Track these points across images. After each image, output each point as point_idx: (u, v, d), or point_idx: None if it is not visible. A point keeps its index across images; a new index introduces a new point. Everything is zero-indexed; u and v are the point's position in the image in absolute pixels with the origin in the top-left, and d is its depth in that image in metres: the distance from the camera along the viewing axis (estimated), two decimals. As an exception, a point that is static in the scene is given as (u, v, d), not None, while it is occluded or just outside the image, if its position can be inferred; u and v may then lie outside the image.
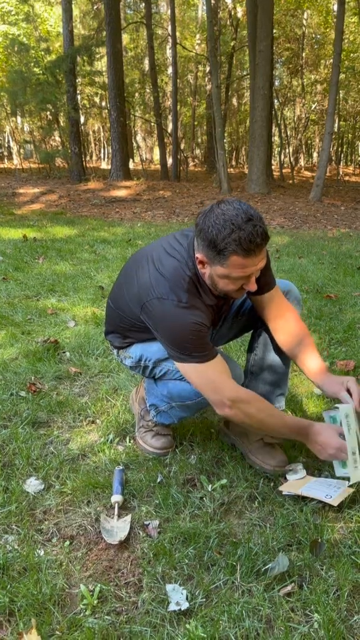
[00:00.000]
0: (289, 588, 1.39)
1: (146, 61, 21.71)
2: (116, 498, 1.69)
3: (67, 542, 1.55)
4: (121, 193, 12.60)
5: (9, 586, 1.38)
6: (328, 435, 1.68)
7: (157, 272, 1.65)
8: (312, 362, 1.81)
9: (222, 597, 1.36)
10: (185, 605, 1.33)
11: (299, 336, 1.82)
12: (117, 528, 1.59)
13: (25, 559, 1.47)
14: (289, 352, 1.85)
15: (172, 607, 1.33)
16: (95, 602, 1.34)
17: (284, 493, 1.74)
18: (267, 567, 1.44)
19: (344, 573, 1.43)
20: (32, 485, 1.79)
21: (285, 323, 1.83)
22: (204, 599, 1.36)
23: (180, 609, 1.32)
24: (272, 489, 1.79)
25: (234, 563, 1.46)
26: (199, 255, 1.57)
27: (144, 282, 1.67)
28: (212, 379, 1.63)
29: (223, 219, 1.47)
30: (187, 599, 1.35)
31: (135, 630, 1.27)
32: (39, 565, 1.46)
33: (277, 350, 1.92)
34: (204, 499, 1.74)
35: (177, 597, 1.36)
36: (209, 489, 1.78)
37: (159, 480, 1.83)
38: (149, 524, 1.62)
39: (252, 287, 1.58)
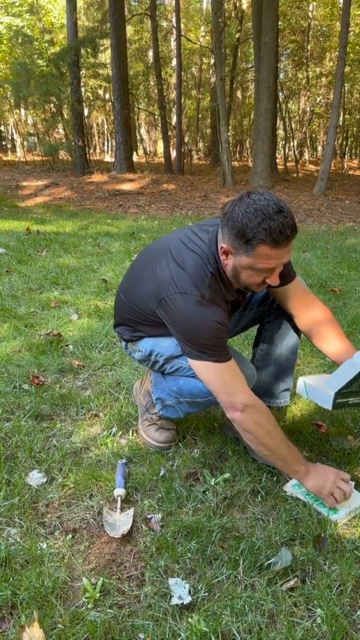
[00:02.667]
0: (291, 583, 1.38)
1: (150, 53, 21.59)
2: (119, 491, 1.68)
3: (70, 535, 1.55)
4: (125, 186, 12.57)
5: (11, 579, 1.38)
6: (326, 471, 1.65)
7: (178, 267, 1.61)
8: (341, 347, 1.81)
9: (224, 592, 1.36)
10: (187, 599, 1.32)
11: (326, 324, 1.82)
12: (120, 522, 1.59)
13: (28, 551, 1.47)
14: (317, 340, 1.84)
15: (175, 601, 1.32)
16: (98, 595, 1.34)
17: (288, 493, 1.73)
18: (270, 561, 1.44)
19: (347, 568, 1.42)
20: (35, 478, 1.79)
21: (311, 313, 1.83)
22: (207, 593, 1.36)
23: (182, 603, 1.32)
24: (275, 483, 1.78)
25: (237, 557, 1.46)
26: (224, 245, 1.55)
27: (163, 277, 1.63)
28: (227, 380, 1.60)
29: (254, 208, 1.45)
30: (189, 593, 1.35)
31: (138, 624, 1.27)
32: (41, 558, 1.45)
33: (292, 339, 1.94)
34: (207, 493, 1.73)
35: (180, 591, 1.35)
36: (212, 483, 1.77)
37: (161, 473, 1.82)
38: (152, 517, 1.62)
39: (275, 281, 1.55)
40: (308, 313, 1.83)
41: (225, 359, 1.59)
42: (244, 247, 1.49)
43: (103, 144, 32.82)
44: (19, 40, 16.02)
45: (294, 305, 1.83)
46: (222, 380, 1.60)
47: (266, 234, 1.43)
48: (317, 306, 1.84)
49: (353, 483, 1.75)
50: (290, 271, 1.79)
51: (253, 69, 17.00)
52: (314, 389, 1.68)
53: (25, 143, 21.54)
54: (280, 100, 19.43)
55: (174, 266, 1.63)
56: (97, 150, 30.97)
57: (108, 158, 25.25)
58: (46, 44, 15.68)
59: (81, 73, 15.53)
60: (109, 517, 1.61)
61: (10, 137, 27.77)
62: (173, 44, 20.56)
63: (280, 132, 23.46)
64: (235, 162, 23.95)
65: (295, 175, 17.95)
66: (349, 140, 29.57)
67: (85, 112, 19.32)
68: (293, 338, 1.95)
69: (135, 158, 19.54)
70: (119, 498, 1.67)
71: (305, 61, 21.76)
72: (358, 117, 26.57)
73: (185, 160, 18.00)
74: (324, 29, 22.19)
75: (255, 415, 1.59)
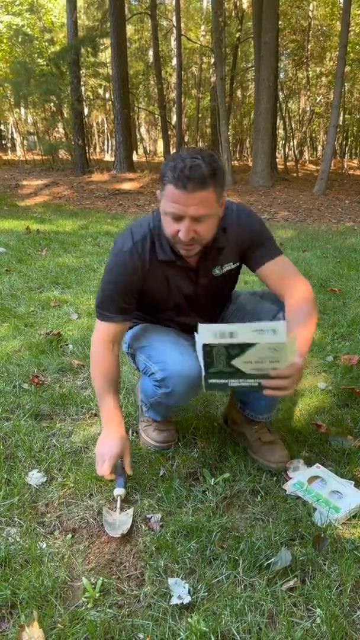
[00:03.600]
0: (291, 583, 1.38)
1: (150, 52, 21.58)
2: (119, 491, 1.68)
3: (70, 535, 1.55)
4: (125, 185, 12.57)
5: (11, 578, 1.38)
6: (110, 441, 1.69)
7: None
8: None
9: (224, 592, 1.36)
10: (187, 599, 1.32)
11: (297, 309, 1.63)
12: (120, 521, 1.59)
13: (28, 551, 1.47)
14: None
15: (174, 600, 1.32)
16: (97, 595, 1.34)
17: (287, 492, 1.73)
18: (269, 561, 1.44)
19: (346, 568, 1.42)
20: (35, 477, 1.79)
21: (287, 294, 1.69)
22: (206, 593, 1.36)
23: (182, 603, 1.32)
24: (275, 483, 1.78)
25: (237, 557, 1.46)
26: (157, 193, 1.57)
27: None
28: (94, 330, 1.74)
29: (176, 154, 1.48)
30: (189, 592, 1.35)
31: (137, 624, 1.27)
32: (41, 558, 1.45)
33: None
34: (207, 492, 1.73)
35: (179, 590, 1.35)
36: (212, 483, 1.77)
37: (161, 473, 1.82)
38: (151, 517, 1.62)
39: (184, 235, 1.48)
40: (285, 295, 1.69)
41: (100, 319, 1.71)
42: (161, 190, 1.51)
43: (103, 143, 32.82)
44: (19, 39, 16.03)
45: (272, 287, 1.73)
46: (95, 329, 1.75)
47: (171, 173, 1.43)
48: (290, 291, 1.68)
49: (352, 482, 1.75)
50: (264, 256, 1.71)
51: (253, 68, 16.99)
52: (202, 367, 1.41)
53: (25, 142, 21.54)
54: (281, 99, 19.43)
55: None
56: (97, 150, 30.97)
57: (108, 157, 25.24)
58: (46, 43, 15.69)
59: (81, 72, 15.53)
60: (108, 517, 1.60)
61: (10, 136, 27.77)
62: (173, 43, 20.56)
63: (280, 131, 23.46)
64: (235, 162, 23.94)
65: (295, 174, 17.95)
66: (349, 140, 29.57)
67: (85, 111, 19.32)
68: None
69: (135, 157, 19.53)
70: (118, 498, 1.66)
71: (305, 61, 21.76)
72: (358, 116, 26.56)
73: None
74: (324, 28, 22.19)
75: (92, 356, 1.75)
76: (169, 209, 1.48)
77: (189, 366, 1.65)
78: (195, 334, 1.34)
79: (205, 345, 1.28)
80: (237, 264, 1.77)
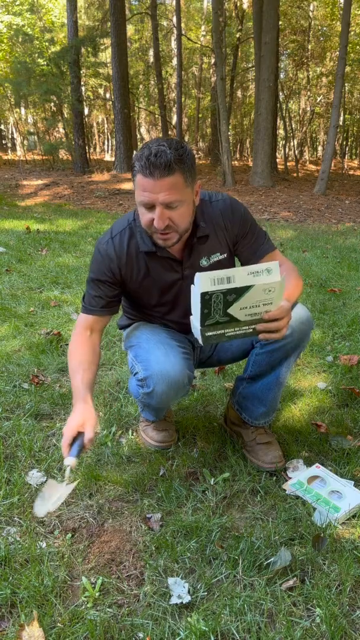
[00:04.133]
0: (291, 582, 1.38)
1: (151, 52, 21.59)
2: (69, 461, 1.42)
3: (69, 535, 1.55)
4: (125, 185, 12.57)
5: (10, 578, 1.38)
6: (72, 416, 1.52)
7: None
8: None
9: (223, 591, 1.36)
10: (187, 599, 1.32)
11: (285, 269, 1.68)
12: (55, 496, 1.40)
13: (27, 551, 1.47)
14: None
15: (174, 600, 1.33)
16: (97, 594, 1.34)
17: (287, 492, 1.73)
18: (269, 561, 1.44)
19: (346, 568, 1.42)
20: (35, 477, 1.79)
21: None
22: (206, 593, 1.36)
23: (182, 602, 1.32)
24: (274, 483, 1.78)
25: (236, 557, 1.46)
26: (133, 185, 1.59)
27: None
28: (75, 325, 1.75)
29: (144, 144, 1.48)
30: (188, 592, 1.35)
31: (137, 623, 1.27)
32: (40, 558, 1.46)
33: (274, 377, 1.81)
34: (207, 492, 1.73)
35: (179, 590, 1.36)
36: (212, 483, 1.77)
37: (161, 473, 1.82)
38: (151, 517, 1.62)
39: (159, 223, 1.48)
40: None
41: (82, 312, 1.74)
42: (133, 181, 1.52)
43: (103, 143, 32.84)
44: (20, 39, 16.04)
45: None
46: (76, 323, 1.76)
47: (138, 163, 1.44)
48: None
49: (352, 482, 1.75)
50: (259, 248, 1.73)
51: (253, 68, 16.99)
52: (194, 326, 1.43)
53: (25, 142, 21.53)
54: (281, 99, 19.42)
55: None
56: (97, 150, 30.98)
57: (108, 157, 25.25)
58: (46, 43, 15.68)
59: (81, 72, 15.54)
60: (46, 489, 1.42)
61: (10, 136, 27.77)
62: (173, 43, 20.56)
63: (281, 131, 23.47)
64: (236, 162, 23.95)
65: (295, 175, 17.95)
66: (349, 140, 29.58)
67: (86, 111, 19.33)
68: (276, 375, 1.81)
69: (135, 157, 19.50)
70: (67, 468, 1.42)
71: (305, 61, 21.75)
72: (358, 116, 26.57)
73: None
74: (325, 28, 22.20)
75: (70, 343, 1.73)
76: (140, 197, 1.48)
77: (171, 366, 1.63)
78: (191, 286, 1.35)
79: (203, 294, 1.29)
80: (226, 254, 1.73)
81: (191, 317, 1.42)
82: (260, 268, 1.33)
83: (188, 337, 1.86)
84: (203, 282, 1.29)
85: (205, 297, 1.30)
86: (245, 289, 1.32)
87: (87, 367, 1.63)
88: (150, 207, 1.48)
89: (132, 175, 1.51)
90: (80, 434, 1.46)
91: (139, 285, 1.71)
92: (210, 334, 1.39)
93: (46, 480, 1.78)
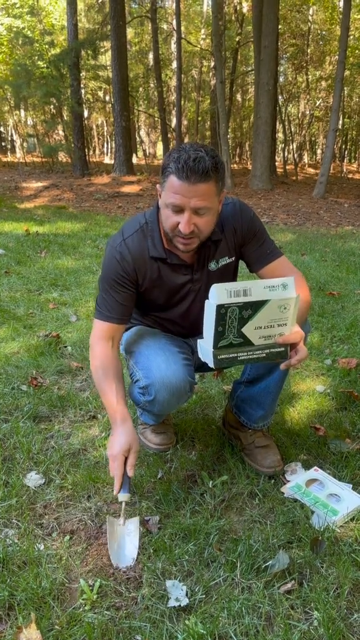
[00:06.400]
0: (289, 585, 1.38)
1: (150, 55, 21.63)
2: (123, 496, 1.52)
3: (67, 537, 1.55)
4: (124, 188, 12.58)
5: (8, 580, 1.38)
6: (116, 439, 1.58)
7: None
8: None
9: (221, 594, 1.36)
10: (184, 602, 1.32)
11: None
12: (127, 547, 1.49)
13: (25, 553, 1.47)
14: None
15: (172, 603, 1.32)
16: (95, 597, 1.34)
17: (285, 495, 1.73)
18: (267, 564, 1.44)
19: (344, 571, 1.42)
20: (33, 479, 1.79)
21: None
22: (204, 595, 1.36)
23: (179, 605, 1.32)
24: (273, 486, 1.78)
25: (234, 560, 1.46)
26: (157, 186, 1.57)
27: None
28: (93, 329, 1.70)
29: (179, 147, 1.48)
30: (186, 595, 1.35)
31: (135, 626, 1.27)
32: (38, 560, 1.45)
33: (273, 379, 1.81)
34: (205, 495, 1.73)
35: (177, 593, 1.35)
36: (210, 485, 1.77)
37: (159, 476, 1.82)
38: (150, 519, 1.62)
39: (185, 228, 1.47)
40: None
41: (97, 317, 1.68)
42: (162, 180, 1.50)
43: (103, 146, 32.87)
44: (20, 42, 16.04)
45: None
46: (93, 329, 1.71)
47: (174, 164, 1.43)
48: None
49: (350, 485, 1.75)
50: (266, 252, 1.73)
51: (253, 72, 17.03)
52: (203, 348, 1.42)
53: (24, 144, 21.55)
54: (280, 103, 19.46)
55: None
56: (97, 152, 31.00)
57: (108, 160, 25.28)
58: (46, 46, 15.68)
59: (81, 75, 15.55)
60: (112, 538, 1.48)
61: (10, 138, 27.79)
62: (173, 46, 20.61)
63: (280, 135, 23.48)
64: (235, 165, 23.98)
65: (294, 178, 17.97)
66: (348, 143, 29.62)
67: (85, 113, 19.36)
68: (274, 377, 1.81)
69: (134, 160, 19.55)
70: (122, 504, 1.53)
71: (305, 65, 21.81)
72: (357, 120, 26.63)
73: (184, 163, 17.97)
74: (324, 32, 22.25)
75: (91, 354, 1.69)
76: (170, 199, 1.47)
77: (172, 374, 1.63)
78: (205, 302, 1.34)
79: (219, 307, 1.29)
80: (233, 258, 1.73)
81: (199, 340, 1.42)
82: (276, 283, 1.33)
83: (187, 341, 1.85)
84: (219, 294, 1.29)
85: (221, 311, 1.29)
86: (261, 303, 1.32)
87: (119, 382, 1.64)
88: (179, 210, 1.47)
89: (162, 176, 1.50)
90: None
91: (150, 287, 1.70)
92: (223, 356, 1.37)
93: (45, 482, 1.78)
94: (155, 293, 1.71)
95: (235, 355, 1.38)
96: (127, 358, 1.84)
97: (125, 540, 1.51)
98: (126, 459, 1.54)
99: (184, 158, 1.41)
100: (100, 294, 1.68)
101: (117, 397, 1.61)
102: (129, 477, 1.54)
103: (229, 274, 1.77)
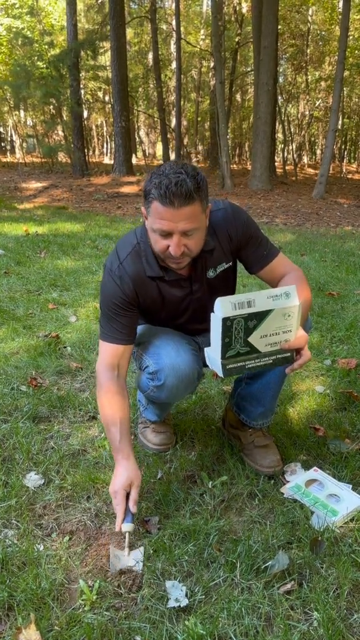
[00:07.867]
0: (288, 586, 1.38)
1: (150, 56, 21.64)
2: (126, 527, 1.50)
3: (67, 538, 1.55)
4: (124, 188, 12.58)
5: (8, 581, 1.38)
6: (117, 475, 1.58)
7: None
8: None
9: (221, 594, 1.36)
10: (184, 602, 1.32)
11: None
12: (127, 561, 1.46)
13: (25, 553, 1.47)
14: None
15: (172, 603, 1.32)
16: (95, 597, 1.34)
17: (285, 496, 1.73)
18: (267, 564, 1.44)
19: (344, 571, 1.42)
20: (32, 480, 1.79)
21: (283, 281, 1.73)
22: (204, 596, 1.36)
23: (179, 606, 1.32)
24: (272, 486, 1.78)
25: (234, 560, 1.46)
26: (142, 209, 1.56)
27: None
28: (99, 352, 1.69)
29: (158, 170, 1.46)
30: (186, 595, 1.35)
31: (134, 627, 1.27)
32: (38, 560, 1.45)
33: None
34: (204, 495, 1.73)
35: (177, 593, 1.35)
36: (209, 486, 1.77)
37: (159, 476, 1.82)
38: (149, 520, 1.62)
39: (175, 250, 1.47)
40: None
41: (103, 339, 1.67)
42: (146, 206, 1.49)
43: (102, 146, 32.88)
44: (19, 42, 16.05)
45: (272, 285, 1.76)
46: (99, 352, 1.70)
47: (157, 190, 1.41)
48: (286, 280, 1.71)
49: (350, 486, 1.75)
50: (262, 255, 1.72)
51: (252, 72, 17.03)
52: (211, 358, 1.45)
53: (24, 144, 21.55)
54: (280, 103, 19.46)
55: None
56: (97, 153, 31.01)
57: (107, 160, 25.28)
58: (46, 46, 15.69)
59: (81, 75, 15.55)
60: (116, 562, 1.45)
61: (9, 139, 27.79)
62: (173, 46, 20.62)
63: (280, 135, 23.47)
64: (234, 165, 23.99)
65: (294, 178, 17.97)
66: (348, 144, 29.63)
67: (85, 114, 19.36)
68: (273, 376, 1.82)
69: (134, 160, 19.56)
70: (127, 534, 1.49)
71: (304, 65, 21.82)
72: (357, 120, 26.64)
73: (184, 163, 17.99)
74: (324, 33, 22.25)
75: (97, 380, 1.68)
76: (157, 225, 1.46)
77: (182, 360, 1.66)
78: (211, 315, 1.36)
79: (225, 320, 1.30)
80: (231, 263, 1.73)
81: (207, 348, 1.45)
82: (279, 292, 1.37)
83: (194, 338, 1.86)
84: (224, 307, 1.31)
85: (227, 323, 1.32)
86: (266, 313, 1.35)
87: (123, 416, 1.63)
88: (167, 234, 1.47)
89: (145, 201, 1.49)
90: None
91: (151, 304, 1.70)
92: (231, 366, 1.40)
93: (44, 482, 1.78)
94: (157, 309, 1.72)
95: (244, 363, 1.41)
96: (136, 350, 1.84)
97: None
98: (128, 494, 1.55)
99: (165, 183, 1.40)
100: (103, 317, 1.67)
101: (120, 433, 1.61)
102: (132, 512, 1.53)
103: (228, 278, 1.78)
